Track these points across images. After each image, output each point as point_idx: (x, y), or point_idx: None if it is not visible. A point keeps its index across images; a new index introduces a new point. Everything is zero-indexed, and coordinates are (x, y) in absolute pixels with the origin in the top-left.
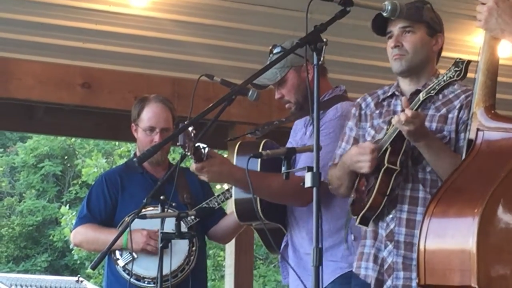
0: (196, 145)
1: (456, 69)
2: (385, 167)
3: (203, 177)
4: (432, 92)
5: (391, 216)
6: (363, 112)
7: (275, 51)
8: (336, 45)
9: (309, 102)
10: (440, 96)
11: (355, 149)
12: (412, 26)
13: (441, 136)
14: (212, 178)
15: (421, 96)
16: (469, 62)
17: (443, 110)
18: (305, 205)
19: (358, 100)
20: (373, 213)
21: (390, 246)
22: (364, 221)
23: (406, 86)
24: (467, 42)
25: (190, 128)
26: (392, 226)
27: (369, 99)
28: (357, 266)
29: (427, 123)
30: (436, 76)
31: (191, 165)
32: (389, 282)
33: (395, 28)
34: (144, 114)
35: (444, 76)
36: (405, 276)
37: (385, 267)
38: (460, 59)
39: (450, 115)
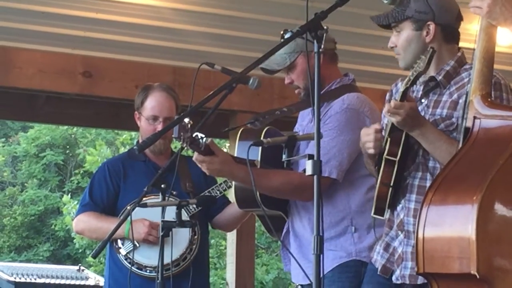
0: (194, 135)
1: (424, 58)
2: (384, 158)
3: (203, 169)
4: (408, 83)
5: (400, 205)
6: (393, 98)
7: (286, 36)
8: (340, 33)
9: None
10: (458, 78)
11: (363, 130)
12: (398, 26)
13: (449, 123)
14: (212, 173)
15: (402, 87)
16: (434, 51)
17: (455, 96)
18: (307, 200)
19: (392, 85)
20: (383, 203)
21: (401, 236)
22: (379, 212)
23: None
24: (466, 30)
25: (186, 120)
26: (401, 215)
27: (399, 84)
28: (373, 250)
29: (439, 110)
30: (456, 58)
31: (194, 155)
32: (397, 272)
33: (392, 29)
34: (147, 103)
35: (416, 66)
36: (412, 266)
37: (396, 256)
38: (430, 47)
39: (460, 101)
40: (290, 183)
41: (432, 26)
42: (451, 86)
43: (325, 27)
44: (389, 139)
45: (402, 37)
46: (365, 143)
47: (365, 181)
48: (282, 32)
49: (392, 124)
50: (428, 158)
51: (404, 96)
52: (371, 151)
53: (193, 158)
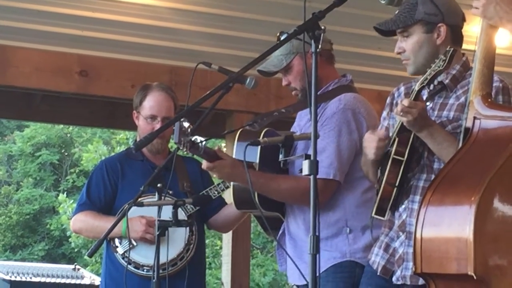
0: (193, 139)
1: (444, 58)
2: (391, 157)
3: (214, 175)
4: (425, 82)
5: (403, 206)
6: (395, 101)
7: (282, 38)
8: (337, 34)
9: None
10: (464, 82)
11: (367, 134)
12: (406, 30)
13: (457, 125)
14: (222, 178)
15: (417, 86)
16: (454, 51)
17: (462, 99)
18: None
19: (393, 89)
20: (386, 203)
21: (402, 237)
22: (380, 212)
23: None
24: (465, 31)
25: (186, 124)
26: (404, 216)
27: (402, 88)
28: (370, 252)
29: (445, 112)
30: (462, 62)
31: (203, 163)
32: (398, 273)
33: (398, 35)
34: (146, 102)
35: (434, 66)
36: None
37: (396, 257)
38: (449, 47)
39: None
40: (300, 187)
41: (443, 28)
42: (458, 89)
43: (322, 27)
44: (397, 139)
45: (412, 41)
46: (366, 147)
47: (361, 183)
48: (278, 34)
49: (401, 124)
50: (433, 160)
51: (418, 95)
52: (371, 156)
53: (203, 166)
